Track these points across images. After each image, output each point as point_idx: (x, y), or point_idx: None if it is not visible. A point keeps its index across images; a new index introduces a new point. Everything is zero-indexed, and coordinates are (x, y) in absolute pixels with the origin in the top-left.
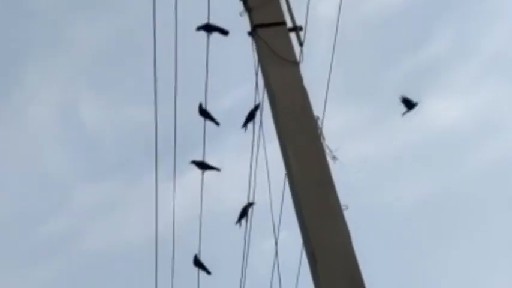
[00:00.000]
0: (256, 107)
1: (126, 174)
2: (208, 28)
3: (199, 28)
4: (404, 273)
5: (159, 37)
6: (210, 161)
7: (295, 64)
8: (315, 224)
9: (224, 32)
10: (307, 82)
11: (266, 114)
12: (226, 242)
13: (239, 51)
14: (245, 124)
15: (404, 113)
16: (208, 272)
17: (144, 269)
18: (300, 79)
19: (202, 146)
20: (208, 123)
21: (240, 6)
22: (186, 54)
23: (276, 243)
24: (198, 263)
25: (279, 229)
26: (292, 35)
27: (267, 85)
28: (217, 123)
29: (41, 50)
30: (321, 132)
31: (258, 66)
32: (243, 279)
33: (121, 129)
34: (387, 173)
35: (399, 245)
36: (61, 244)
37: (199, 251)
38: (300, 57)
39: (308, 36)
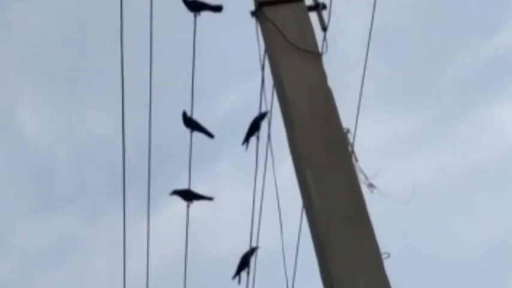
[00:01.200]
0: (262, 115)
1: (82, 209)
2: (195, 5)
3: (185, 3)
4: None
5: (127, 17)
6: (198, 189)
7: (317, 56)
8: (344, 278)
9: (216, 9)
10: (332, 81)
11: (276, 125)
12: None
13: (238, 37)
14: (246, 139)
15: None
16: (211, 135)
17: None
18: (323, 77)
19: (188, 168)
20: (197, 137)
21: None
22: (166, 42)
23: None
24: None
25: (293, 283)
26: (313, 16)
27: (277, 84)
28: (210, 136)
29: None
30: (353, 150)
31: (264, 58)
32: None
33: (76, 145)
34: (445, 206)
35: None
36: None
37: None
38: (323, 46)
39: (334, 18)
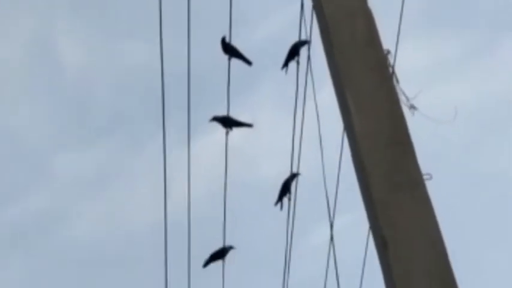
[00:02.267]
0: (303, 42)
1: (122, 139)
2: None
3: None
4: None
5: None
6: (237, 116)
7: None
8: (386, 200)
9: None
10: (373, 3)
11: (316, 49)
12: (260, 229)
13: None
14: (286, 63)
15: None
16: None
17: (150, 262)
18: None
19: (226, 96)
20: (236, 63)
21: None
22: None
23: (332, 227)
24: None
25: (335, 208)
26: None
27: (317, 8)
28: (248, 63)
29: None
30: (394, 72)
31: None
32: (286, 278)
33: (114, 74)
34: (486, 129)
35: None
36: (39, 230)
37: (224, 241)
38: None
39: None
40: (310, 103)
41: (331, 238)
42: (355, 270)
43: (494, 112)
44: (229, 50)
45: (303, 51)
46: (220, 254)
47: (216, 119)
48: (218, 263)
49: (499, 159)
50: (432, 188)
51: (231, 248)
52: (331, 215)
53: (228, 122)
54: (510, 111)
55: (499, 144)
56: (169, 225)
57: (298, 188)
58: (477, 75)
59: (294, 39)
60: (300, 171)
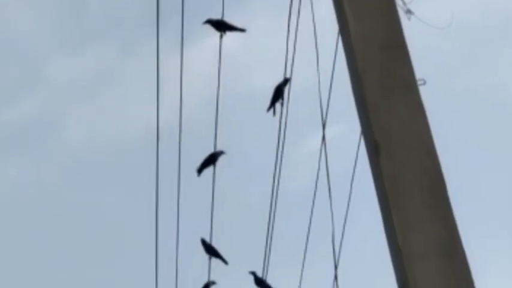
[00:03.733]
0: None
1: (116, 41)
2: None
3: None
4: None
5: None
6: (232, 21)
7: None
8: (379, 104)
9: None
10: None
11: None
12: (252, 135)
13: None
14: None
15: None
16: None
17: (142, 167)
18: None
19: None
20: None
21: None
22: None
23: (324, 127)
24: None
25: (327, 112)
26: None
27: None
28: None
29: None
30: None
31: None
32: (276, 186)
33: None
34: (484, 39)
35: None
36: (34, 133)
37: (215, 146)
38: None
39: None
40: (306, 11)
41: (323, 138)
42: (347, 179)
43: (493, 26)
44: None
45: None
46: (211, 159)
47: (210, 21)
48: (210, 169)
49: (495, 71)
50: (425, 95)
51: (222, 152)
52: (323, 115)
53: (221, 26)
54: (509, 27)
55: (496, 57)
56: (162, 131)
57: (293, 95)
58: None
59: None
60: (294, 77)
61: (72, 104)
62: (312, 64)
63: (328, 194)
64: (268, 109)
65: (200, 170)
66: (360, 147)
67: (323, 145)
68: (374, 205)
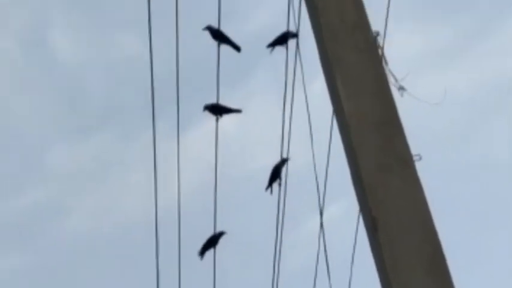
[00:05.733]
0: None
1: (115, 130)
2: None
3: None
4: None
5: None
6: (228, 103)
7: None
8: (375, 182)
9: None
10: None
11: (305, 35)
12: (251, 217)
13: None
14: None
15: None
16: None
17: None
18: None
19: (216, 82)
20: (227, 59)
21: None
22: None
23: (321, 214)
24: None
25: (324, 195)
26: None
27: None
28: (237, 49)
29: None
30: (383, 53)
31: None
32: (276, 267)
33: (107, 66)
34: (477, 113)
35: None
36: (35, 224)
37: (215, 229)
38: None
39: None
40: (301, 93)
41: (321, 225)
42: (347, 257)
43: (485, 99)
44: (218, 35)
45: (292, 43)
46: (212, 241)
47: (207, 107)
48: (211, 252)
49: (490, 144)
50: (421, 170)
51: (222, 233)
52: (321, 200)
53: (217, 109)
54: (501, 98)
55: (489, 130)
56: (162, 216)
57: (290, 175)
58: (470, 62)
59: (284, 27)
60: (291, 158)
61: (73, 193)
62: (309, 143)
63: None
64: (266, 189)
65: (202, 253)
66: (359, 224)
67: (321, 230)
68: (375, 281)
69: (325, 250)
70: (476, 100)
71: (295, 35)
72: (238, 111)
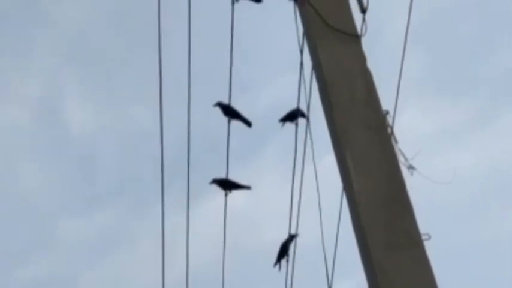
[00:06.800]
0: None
1: (126, 202)
2: None
3: None
4: None
5: (165, 12)
6: (238, 181)
7: (356, 38)
8: (385, 261)
9: None
10: (372, 64)
11: (316, 109)
12: None
13: (278, 24)
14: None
15: None
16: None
17: None
18: (362, 59)
19: (226, 158)
20: (238, 133)
21: None
22: (204, 34)
23: None
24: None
25: (333, 273)
26: None
27: (316, 68)
28: (248, 124)
29: (12, 29)
30: (392, 132)
31: (303, 42)
32: None
33: (118, 139)
34: (487, 194)
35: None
36: None
37: None
38: (362, 28)
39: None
40: (311, 168)
41: None
42: None
43: (494, 179)
44: (230, 111)
45: (301, 123)
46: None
47: (216, 181)
48: None
49: (501, 222)
50: (432, 249)
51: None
52: (329, 276)
53: (226, 184)
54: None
55: (498, 210)
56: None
57: (299, 251)
58: (480, 141)
59: (295, 104)
60: (300, 234)
61: (82, 265)
62: (318, 219)
63: None
64: (275, 265)
65: None
66: None
67: None
68: None
69: None
70: (486, 179)
71: (304, 115)
72: (247, 187)
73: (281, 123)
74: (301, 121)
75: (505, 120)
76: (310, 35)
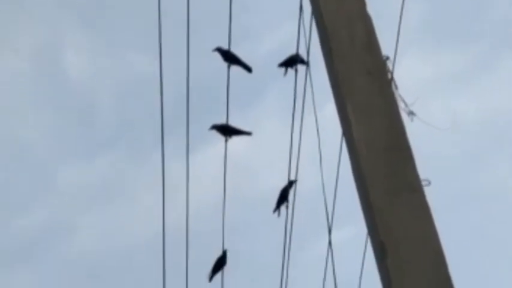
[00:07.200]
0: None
1: (125, 149)
2: None
3: None
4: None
5: None
6: (237, 125)
7: None
8: (384, 206)
9: None
10: (372, 9)
11: (317, 56)
12: (259, 238)
13: None
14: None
15: None
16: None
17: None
18: (362, 3)
19: (226, 103)
20: (239, 79)
21: None
22: None
23: (330, 232)
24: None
25: (333, 215)
26: None
27: (316, 14)
28: (248, 69)
29: None
30: (392, 78)
31: None
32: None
33: (118, 86)
34: (487, 139)
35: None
36: (44, 242)
37: (223, 249)
38: None
39: None
40: (311, 115)
41: (329, 243)
42: (354, 281)
43: (496, 125)
44: (229, 57)
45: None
46: (220, 263)
47: (215, 127)
48: (218, 273)
49: (500, 170)
50: (431, 195)
51: (225, 252)
52: (330, 219)
53: (227, 130)
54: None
55: (498, 157)
56: (170, 236)
57: (298, 198)
58: (481, 88)
59: (295, 50)
60: (299, 181)
61: (82, 212)
62: (318, 166)
63: None
64: (274, 211)
65: (211, 277)
66: (367, 249)
67: (329, 248)
68: None
69: (333, 268)
70: (487, 127)
71: (304, 62)
72: (248, 133)
73: (281, 70)
74: (302, 68)
75: (506, 68)
76: None
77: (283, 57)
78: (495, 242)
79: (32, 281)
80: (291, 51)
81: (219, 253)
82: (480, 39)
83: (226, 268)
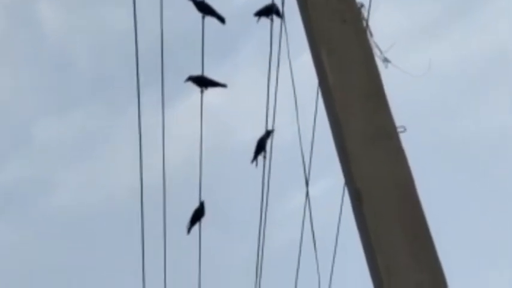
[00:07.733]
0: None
1: (102, 103)
2: None
3: None
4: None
5: None
6: (213, 77)
7: None
8: (360, 153)
9: None
10: None
11: (292, 6)
12: (237, 191)
13: None
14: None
15: None
16: (222, 19)
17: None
18: None
19: (201, 56)
20: (213, 32)
21: None
22: None
23: (307, 184)
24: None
25: (310, 164)
26: None
27: None
28: (222, 20)
29: None
30: (367, 25)
31: None
32: (261, 241)
33: (94, 40)
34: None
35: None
36: (20, 197)
37: (200, 200)
38: None
39: None
40: (287, 66)
41: (307, 194)
42: (333, 229)
43: (472, 72)
44: (202, 6)
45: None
46: (197, 214)
47: (191, 78)
48: (196, 226)
49: (475, 117)
50: (406, 142)
51: (202, 204)
52: (307, 171)
53: (202, 81)
54: (487, 73)
55: (475, 103)
56: (147, 189)
57: (276, 149)
58: (456, 35)
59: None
60: (278, 130)
61: (59, 167)
62: (295, 116)
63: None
64: (252, 161)
65: (189, 228)
66: (345, 197)
67: (307, 202)
68: (360, 255)
69: (310, 219)
70: (461, 74)
71: (279, 13)
72: (223, 85)
73: (256, 19)
74: (278, 20)
75: (483, 15)
76: None
77: (258, 7)
78: (469, 185)
79: (9, 236)
80: (266, 2)
81: (195, 205)
82: None
83: (204, 219)
